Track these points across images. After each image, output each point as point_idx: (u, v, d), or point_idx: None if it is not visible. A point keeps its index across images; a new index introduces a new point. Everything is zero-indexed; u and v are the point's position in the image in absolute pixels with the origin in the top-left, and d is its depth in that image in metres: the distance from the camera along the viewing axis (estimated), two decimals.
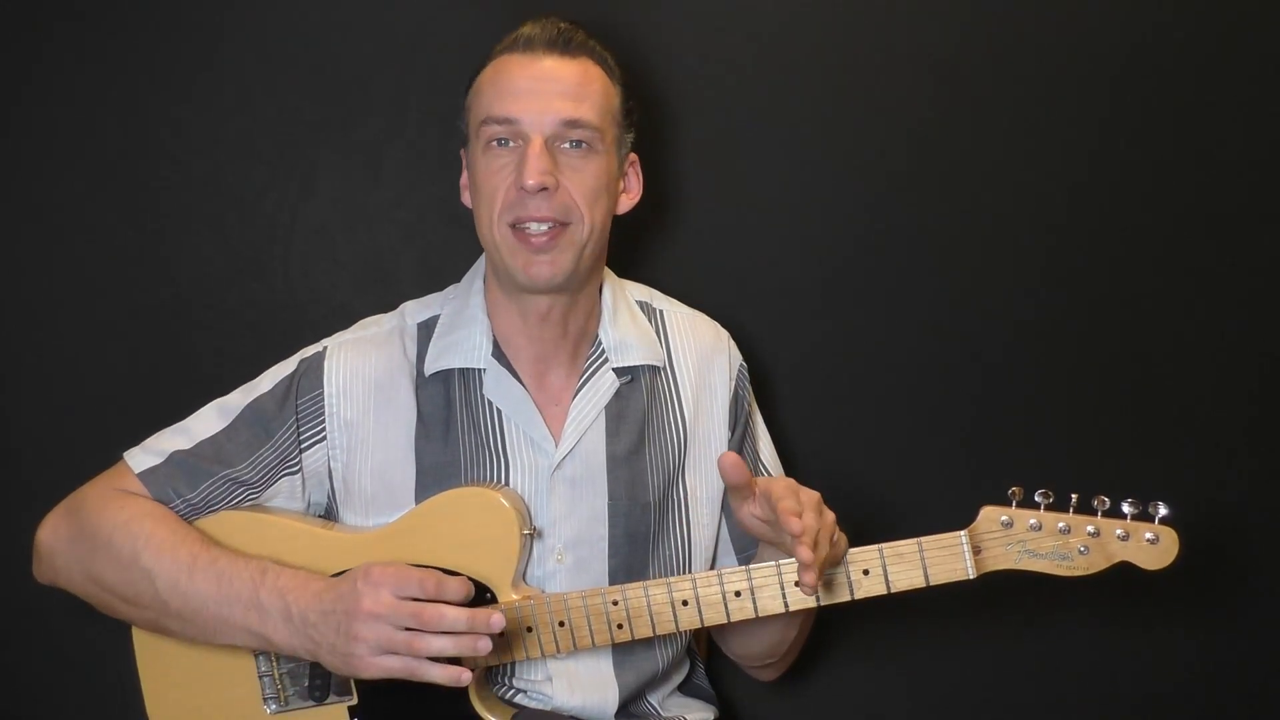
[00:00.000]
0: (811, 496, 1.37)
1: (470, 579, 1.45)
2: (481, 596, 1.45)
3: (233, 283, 1.80)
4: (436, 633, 1.35)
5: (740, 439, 1.63)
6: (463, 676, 1.36)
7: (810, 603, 1.42)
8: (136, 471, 1.50)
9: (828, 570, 1.40)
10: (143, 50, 1.77)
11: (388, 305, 1.63)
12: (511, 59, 1.49)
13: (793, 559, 1.41)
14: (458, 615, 1.35)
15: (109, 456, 1.55)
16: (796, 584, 1.40)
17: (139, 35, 1.77)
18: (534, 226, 1.46)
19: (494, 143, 1.47)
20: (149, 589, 1.45)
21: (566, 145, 1.47)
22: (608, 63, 1.53)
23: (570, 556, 1.52)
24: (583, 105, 1.47)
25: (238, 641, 1.45)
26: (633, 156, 1.58)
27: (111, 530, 1.47)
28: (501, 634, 1.45)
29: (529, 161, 1.44)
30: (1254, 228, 1.84)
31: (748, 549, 1.59)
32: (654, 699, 1.61)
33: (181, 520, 1.50)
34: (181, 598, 1.44)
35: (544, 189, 1.44)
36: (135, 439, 1.54)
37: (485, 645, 1.35)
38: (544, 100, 1.45)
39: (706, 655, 1.76)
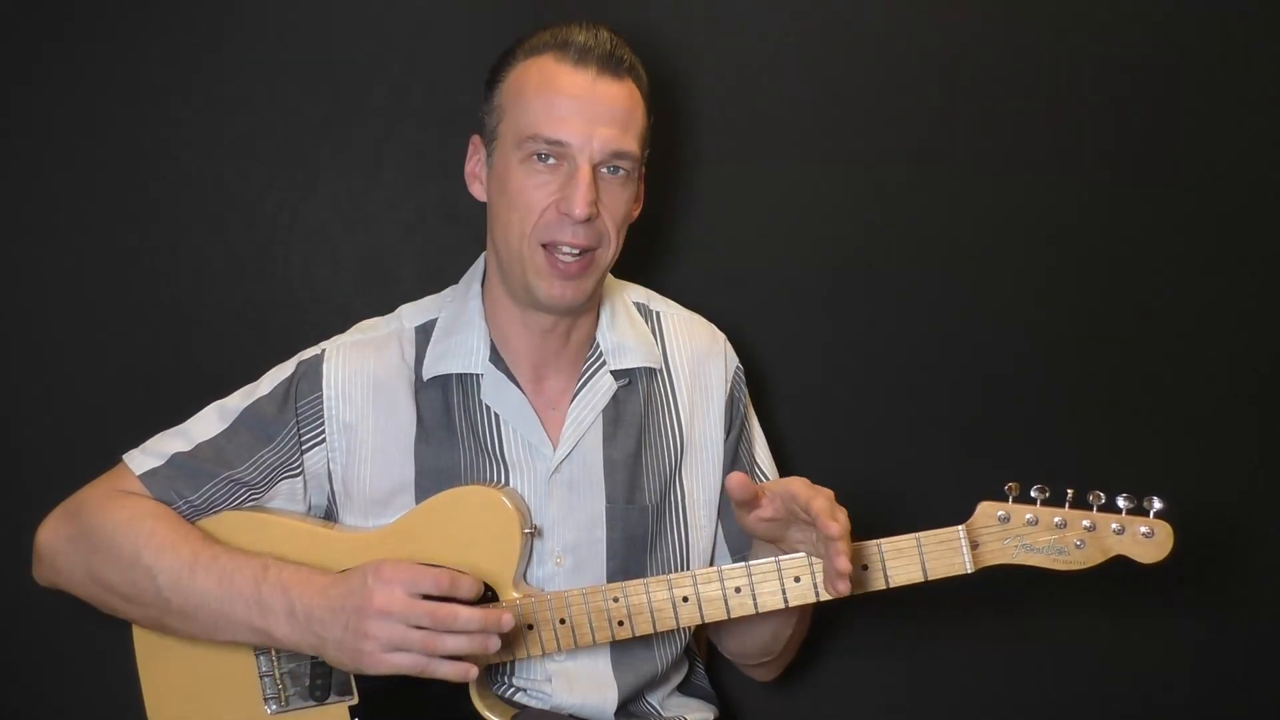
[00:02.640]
0: (828, 494, 1.38)
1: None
2: (482, 595, 1.46)
3: (233, 283, 1.80)
4: (449, 632, 1.36)
5: (736, 441, 1.63)
6: (470, 672, 1.38)
7: (809, 597, 1.43)
8: (138, 474, 1.50)
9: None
10: (143, 50, 1.77)
11: (388, 305, 1.63)
12: (561, 70, 1.45)
13: (793, 555, 1.42)
14: (471, 614, 1.37)
15: (109, 456, 1.55)
16: (796, 580, 1.42)
17: (139, 35, 1.77)
18: (566, 250, 1.46)
19: (535, 158, 1.45)
20: (150, 587, 1.45)
21: (606, 171, 1.46)
22: (643, 81, 1.51)
23: (569, 559, 1.53)
24: (628, 135, 1.46)
25: (240, 638, 1.45)
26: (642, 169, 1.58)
27: (113, 529, 1.47)
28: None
29: (579, 191, 1.43)
30: (1252, 228, 1.85)
31: (743, 551, 1.59)
32: (654, 699, 1.61)
33: (182, 519, 1.50)
34: (183, 595, 1.44)
35: (589, 219, 1.44)
36: (135, 439, 1.55)
37: (495, 644, 1.37)
38: (595, 126, 1.44)
39: (706, 655, 1.76)
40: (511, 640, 1.46)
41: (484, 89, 1.52)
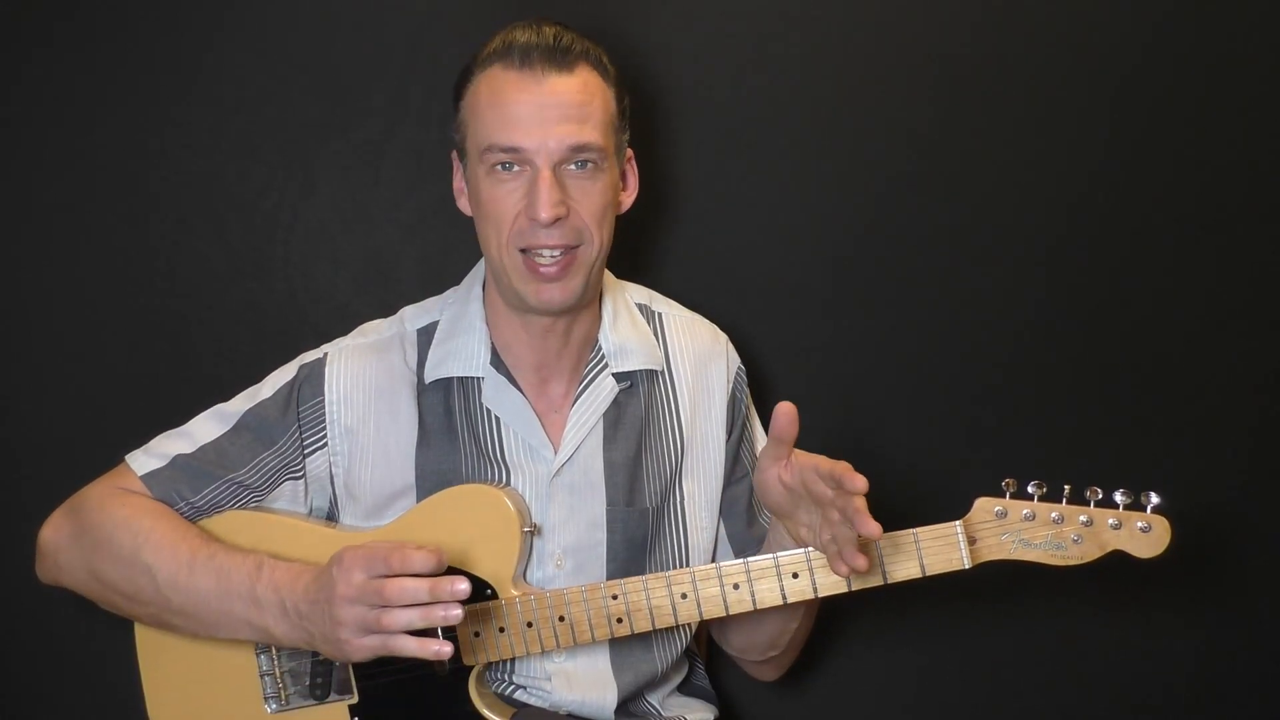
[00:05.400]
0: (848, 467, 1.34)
1: (470, 575, 1.46)
2: (482, 593, 1.46)
3: (233, 283, 1.80)
4: (402, 606, 1.33)
5: (737, 442, 1.63)
6: (442, 650, 1.32)
7: (807, 594, 1.43)
8: (140, 474, 1.51)
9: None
10: (142, 50, 1.77)
11: (388, 305, 1.64)
12: (508, 78, 1.44)
13: (791, 551, 1.43)
14: (418, 586, 1.32)
15: (110, 456, 1.55)
16: (794, 576, 1.42)
17: (138, 34, 1.77)
18: (545, 254, 1.45)
19: (498, 167, 1.45)
20: (150, 585, 1.46)
21: (573, 167, 1.45)
22: (602, 63, 1.49)
23: (569, 561, 1.53)
24: (586, 126, 1.44)
25: (241, 635, 1.45)
26: (629, 153, 1.56)
27: (113, 527, 1.47)
28: (501, 629, 1.46)
29: (541, 195, 1.42)
30: (1253, 225, 1.85)
31: (746, 550, 1.60)
32: (654, 699, 1.61)
33: (181, 517, 1.50)
34: (182, 594, 1.45)
35: (557, 219, 1.44)
36: (135, 439, 1.55)
37: (456, 614, 1.31)
38: (548, 126, 1.42)
39: (707, 655, 1.76)
40: (510, 639, 1.46)
41: (453, 106, 1.53)
